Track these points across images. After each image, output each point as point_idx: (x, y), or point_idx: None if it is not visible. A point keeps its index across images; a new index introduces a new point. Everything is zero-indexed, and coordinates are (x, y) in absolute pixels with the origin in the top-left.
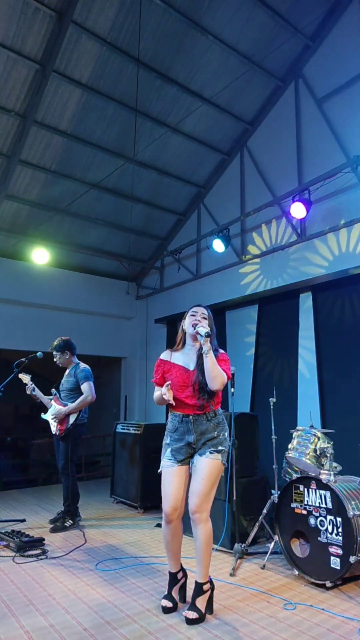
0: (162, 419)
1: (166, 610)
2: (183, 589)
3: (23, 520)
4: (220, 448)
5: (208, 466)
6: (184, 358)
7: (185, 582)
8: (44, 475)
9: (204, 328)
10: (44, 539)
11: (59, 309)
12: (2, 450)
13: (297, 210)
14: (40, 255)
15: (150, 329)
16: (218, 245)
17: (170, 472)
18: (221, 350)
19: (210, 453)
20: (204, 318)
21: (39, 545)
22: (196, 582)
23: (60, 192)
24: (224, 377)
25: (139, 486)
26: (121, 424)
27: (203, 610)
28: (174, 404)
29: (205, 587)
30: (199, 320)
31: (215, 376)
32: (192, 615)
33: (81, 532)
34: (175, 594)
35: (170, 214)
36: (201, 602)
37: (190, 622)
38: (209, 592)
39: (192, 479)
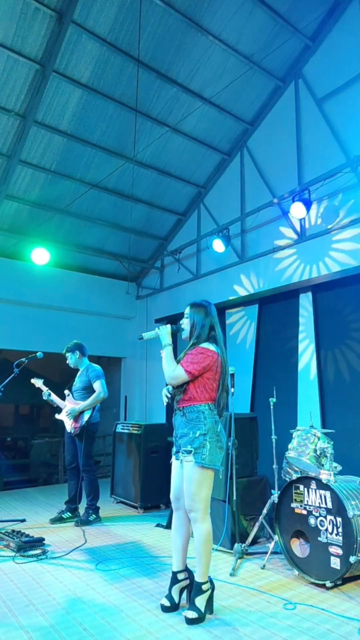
0: (162, 419)
1: (163, 608)
2: (187, 591)
3: (23, 520)
4: (189, 448)
5: (185, 469)
6: None
7: (189, 584)
8: (44, 475)
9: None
10: (44, 539)
11: (59, 309)
12: (2, 450)
13: (297, 210)
14: (40, 255)
15: (150, 329)
16: (218, 245)
17: (173, 463)
18: (200, 345)
19: (182, 454)
20: (186, 317)
21: (39, 545)
22: (195, 581)
23: (60, 192)
24: (170, 370)
25: (139, 486)
26: (121, 424)
27: (203, 610)
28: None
29: (205, 586)
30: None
31: (164, 371)
32: (192, 615)
33: (81, 532)
34: (175, 593)
35: (170, 214)
36: (201, 602)
37: (189, 621)
38: (208, 592)
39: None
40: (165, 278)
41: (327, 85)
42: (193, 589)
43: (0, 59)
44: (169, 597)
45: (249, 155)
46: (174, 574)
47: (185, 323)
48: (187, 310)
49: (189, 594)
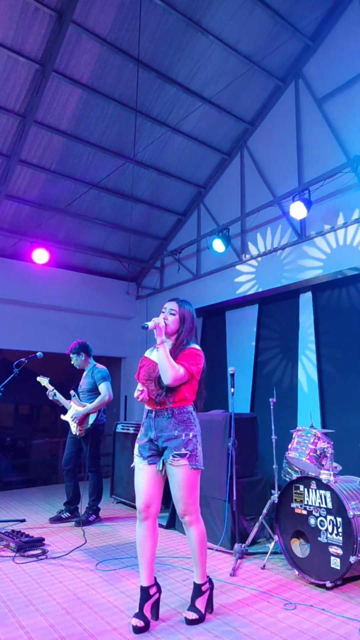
0: None
1: (137, 630)
2: (156, 606)
3: (23, 520)
4: (183, 451)
5: (178, 474)
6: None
7: (158, 598)
8: (44, 475)
9: (150, 322)
10: (44, 539)
11: (59, 309)
12: (2, 450)
13: (297, 210)
14: (40, 255)
15: (150, 329)
16: (218, 245)
17: (139, 468)
18: (193, 345)
19: (174, 457)
20: (172, 314)
21: (39, 545)
22: (194, 583)
23: (60, 192)
24: (176, 371)
25: None
26: (121, 424)
27: (203, 611)
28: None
29: (204, 587)
30: (166, 317)
31: (165, 370)
32: (192, 616)
33: (81, 531)
34: (147, 611)
35: (170, 214)
36: (200, 603)
37: (190, 622)
38: (208, 592)
39: (170, 486)
40: (165, 278)
41: (327, 85)
42: (193, 590)
43: (0, 59)
44: (141, 616)
45: (249, 155)
46: (145, 589)
47: (172, 320)
48: (173, 306)
49: (157, 608)
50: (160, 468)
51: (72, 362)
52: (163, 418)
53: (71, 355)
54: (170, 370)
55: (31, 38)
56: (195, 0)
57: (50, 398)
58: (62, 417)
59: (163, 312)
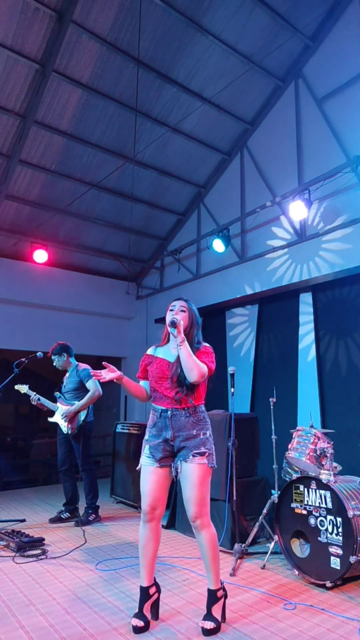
0: None
1: (137, 630)
2: (155, 606)
3: (23, 520)
4: (202, 450)
5: (196, 472)
6: (166, 351)
7: (158, 597)
8: (44, 475)
9: (170, 318)
10: (44, 539)
11: (59, 309)
12: (2, 450)
13: (297, 210)
14: (40, 255)
15: (150, 329)
16: (218, 245)
17: (149, 470)
18: (205, 343)
19: (194, 457)
20: (182, 311)
21: (39, 545)
22: (209, 589)
23: (60, 192)
24: (201, 368)
25: (138, 486)
26: (121, 424)
27: (220, 619)
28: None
29: (219, 593)
30: (183, 317)
31: (192, 368)
32: (209, 625)
33: (81, 531)
34: (147, 611)
35: (170, 214)
36: (217, 610)
37: (207, 633)
38: (222, 599)
39: (183, 487)
40: (165, 278)
41: (327, 85)
42: (208, 597)
43: (0, 59)
44: (141, 616)
45: (249, 155)
46: (145, 589)
47: (183, 317)
48: (182, 304)
49: (157, 608)
50: (178, 471)
51: (54, 364)
52: (181, 417)
53: (53, 357)
54: (196, 368)
55: (31, 38)
56: (195, 1)
57: (34, 403)
58: (50, 419)
59: (172, 310)
